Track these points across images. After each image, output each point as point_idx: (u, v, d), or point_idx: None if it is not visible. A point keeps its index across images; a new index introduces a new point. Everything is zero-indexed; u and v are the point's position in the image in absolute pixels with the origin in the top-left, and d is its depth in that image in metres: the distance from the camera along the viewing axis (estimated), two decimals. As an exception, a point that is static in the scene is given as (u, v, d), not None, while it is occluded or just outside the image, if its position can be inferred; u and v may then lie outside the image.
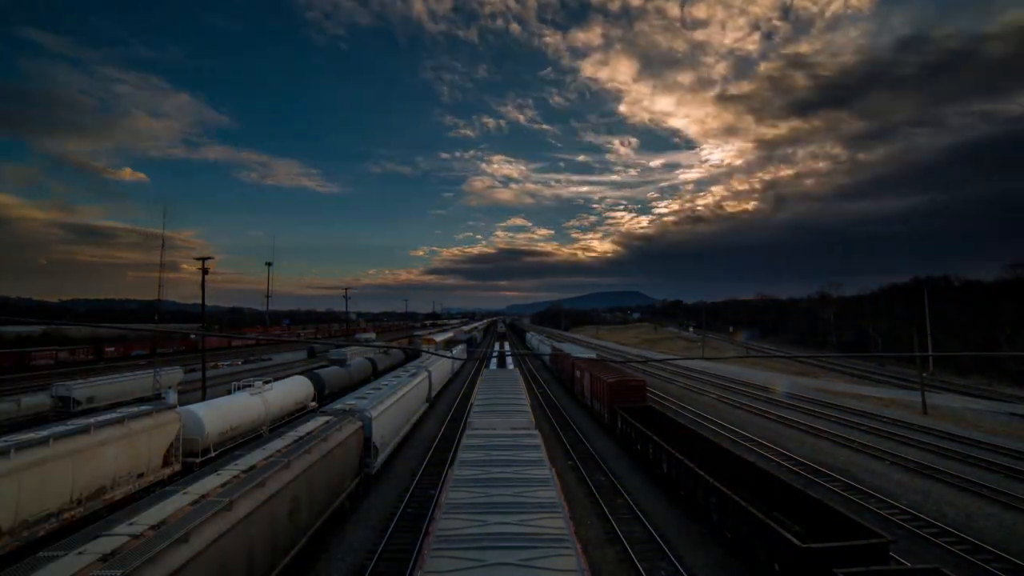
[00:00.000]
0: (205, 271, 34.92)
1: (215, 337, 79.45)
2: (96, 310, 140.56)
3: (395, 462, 23.65)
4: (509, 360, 62.84)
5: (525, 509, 9.21)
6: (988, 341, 59.95)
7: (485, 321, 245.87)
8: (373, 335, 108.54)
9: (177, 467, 19.15)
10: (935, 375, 55.44)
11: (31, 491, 13.12)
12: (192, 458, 19.97)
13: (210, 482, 10.93)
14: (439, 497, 12.03)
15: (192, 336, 72.31)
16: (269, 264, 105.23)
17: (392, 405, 23.64)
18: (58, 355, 57.52)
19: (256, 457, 13.00)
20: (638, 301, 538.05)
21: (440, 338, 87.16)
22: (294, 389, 30.36)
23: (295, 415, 29.09)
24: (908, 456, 24.35)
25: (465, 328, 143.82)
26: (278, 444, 14.44)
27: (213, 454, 20.88)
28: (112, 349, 64.77)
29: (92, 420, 16.41)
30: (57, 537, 11.35)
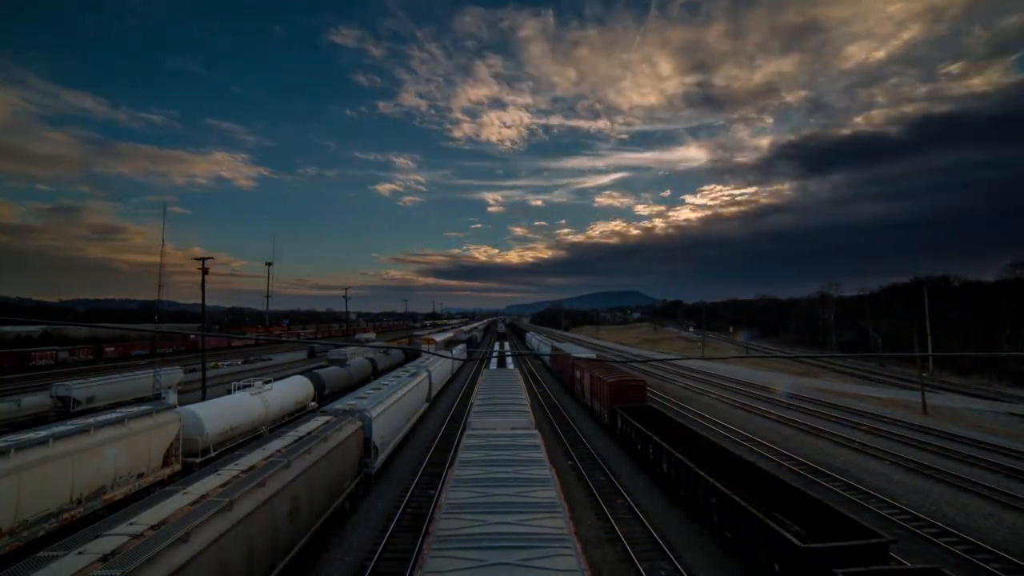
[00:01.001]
0: (205, 271, 34.98)
1: (215, 337, 79.41)
2: (96, 310, 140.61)
3: (395, 462, 23.64)
4: (509, 360, 62.81)
5: (525, 509, 9.21)
6: (988, 341, 59.96)
7: (485, 321, 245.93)
8: (373, 335, 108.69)
9: (177, 467, 19.16)
10: (935, 375, 55.45)
11: (31, 491, 13.13)
12: (192, 458, 19.99)
13: (210, 482, 10.94)
14: (439, 497, 12.03)
15: (192, 336, 72.36)
16: (269, 264, 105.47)
17: (392, 405, 23.64)
18: (58, 355, 57.57)
19: (256, 457, 13.01)
20: (638, 301, 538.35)
21: (440, 338, 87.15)
22: (294, 389, 30.36)
23: (295, 415, 29.10)
24: (908, 456, 24.36)
25: (465, 328, 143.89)
26: (278, 444, 14.45)
27: (213, 454, 20.89)
28: (112, 349, 64.82)
29: (92, 420, 16.44)
30: (57, 537, 11.36)
